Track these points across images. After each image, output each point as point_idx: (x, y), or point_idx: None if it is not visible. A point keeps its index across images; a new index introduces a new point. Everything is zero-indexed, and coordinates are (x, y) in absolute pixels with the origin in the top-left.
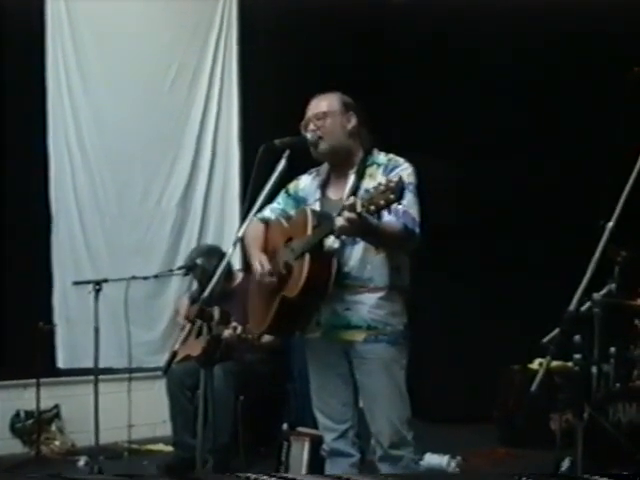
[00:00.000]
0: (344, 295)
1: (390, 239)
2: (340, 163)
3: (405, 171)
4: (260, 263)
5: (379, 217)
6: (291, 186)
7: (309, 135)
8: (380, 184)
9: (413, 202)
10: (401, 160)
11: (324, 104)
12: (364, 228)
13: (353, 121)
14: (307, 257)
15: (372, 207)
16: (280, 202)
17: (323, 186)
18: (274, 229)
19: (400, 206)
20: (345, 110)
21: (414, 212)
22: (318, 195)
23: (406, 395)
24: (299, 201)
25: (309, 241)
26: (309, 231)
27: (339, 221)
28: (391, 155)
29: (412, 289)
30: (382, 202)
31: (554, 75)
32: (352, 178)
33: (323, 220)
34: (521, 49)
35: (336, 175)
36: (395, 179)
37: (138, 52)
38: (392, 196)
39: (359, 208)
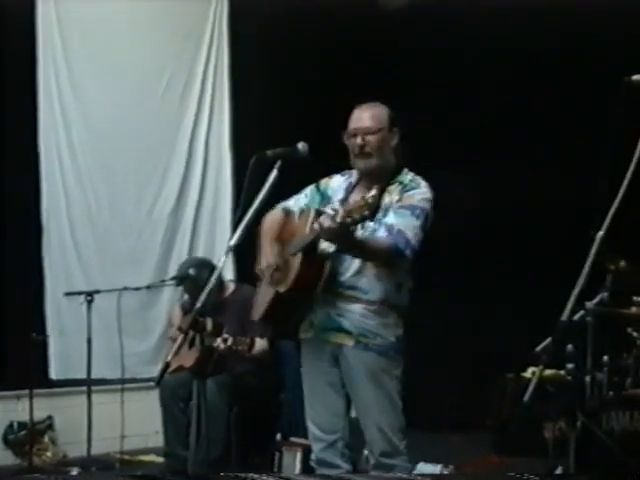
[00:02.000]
0: (338, 302)
1: (371, 255)
2: (377, 177)
3: (419, 194)
4: (265, 256)
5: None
6: (322, 182)
7: (355, 148)
8: (362, 198)
9: (413, 225)
10: (423, 184)
11: (375, 119)
12: (344, 238)
13: (396, 138)
14: (300, 255)
15: (348, 220)
16: (307, 194)
17: (349, 189)
18: (288, 225)
19: (397, 224)
20: (391, 125)
21: (410, 234)
22: (342, 196)
23: (399, 405)
24: (325, 198)
25: (304, 240)
26: (307, 230)
27: (316, 225)
28: (416, 177)
29: (410, 307)
30: (357, 216)
31: (552, 86)
32: (373, 192)
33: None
34: (520, 59)
35: (364, 183)
36: (373, 195)
37: (130, 61)
38: (366, 212)
39: (339, 218)
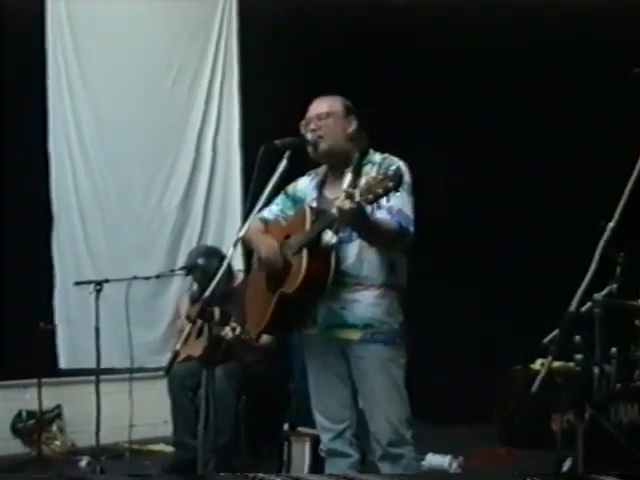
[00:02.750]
0: (340, 293)
1: (384, 237)
2: (337, 164)
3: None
4: (269, 246)
5: (378, 206)
6: (290, 187)
7: (309, 135)
8: (378, 174)
9: (407, 201)
10: (395, 159)
11: (326, 105)
12: (361, 220)
13: (353, 125)
14: (305, 252)
15: (370, 196)
16: (279, 203)
17: (320, 186)
18: (273, 229)
19: (395, 204)
20: (347, 113)
21: (408, 210)
22: (315, 194)
23: (405, 394)
24: (297, 202)
25: (307, 235)
26: (307, 227)
27: (334, 210)
28: (386, 154)
29: (408, 288)
30: (380, 190)
31: (555, 74)
32: (349, 176)
33: (321, 215)
34: (521, 47)
35: (333, 175)
36: (393, 168)
37: (139, 52)
38: (390, 184)
39: (357, 197)
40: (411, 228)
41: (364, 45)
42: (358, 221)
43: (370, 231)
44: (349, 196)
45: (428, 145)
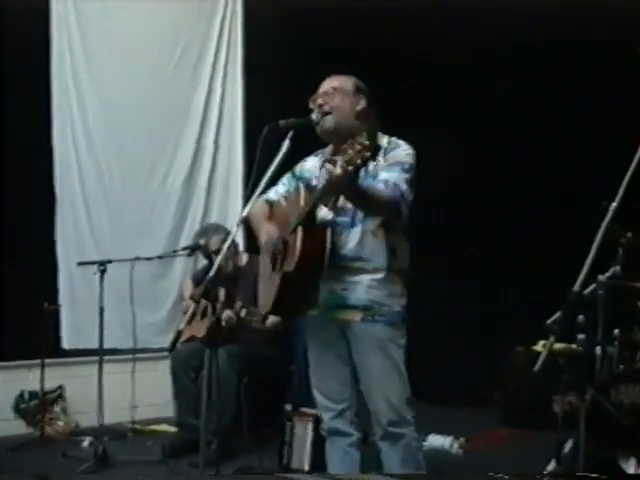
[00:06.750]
0: (343, 276)
1: (377, 204)
2: (343, 142)
3: (403, 151)
4: (268, 233)
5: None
6: (297, 167)
7: (314, 114)
8: (353, 143)
9: (404, 179)
10: (401, 142)
11: (336, 82)
12: (348, 186)
13: (362, 103)
14: (300, 229)
15: (350, 167)
16: (285, 183)
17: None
18: (276, 211)
19: (390, 178)
20: (356, 92)
21: (404, 187)
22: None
23: (405, 374)
24: (303, 182)
25: (301, 213)
26: (302, 204)
27: (322, 179)
28: (393, 138)
29: (411, 272)
30: (359, 161)
31: (557, 57)
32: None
33: (313, 190)
34: (525, 32)
35: (339, 154)
36: (367, 138)
37: (143, 32)
38: (367, 154)
39: (341, 165)
40: (402, 204)
41: (370, 25)
42: (346, 188)
43: (361, 198)
44: (333, 164)
45: (431, 129)
